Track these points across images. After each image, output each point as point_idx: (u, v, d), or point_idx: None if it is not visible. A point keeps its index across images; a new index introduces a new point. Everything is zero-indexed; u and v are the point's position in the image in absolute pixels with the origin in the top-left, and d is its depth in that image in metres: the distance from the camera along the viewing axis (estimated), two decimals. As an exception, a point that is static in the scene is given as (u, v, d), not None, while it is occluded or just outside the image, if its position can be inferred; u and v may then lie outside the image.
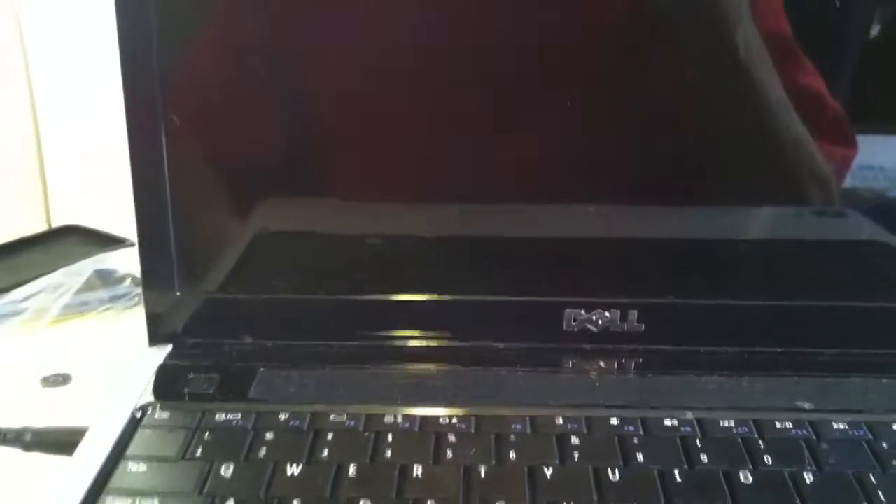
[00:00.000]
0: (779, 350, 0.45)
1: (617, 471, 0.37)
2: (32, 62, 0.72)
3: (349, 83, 0.44)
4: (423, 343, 0.46)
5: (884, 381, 0.43)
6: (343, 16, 0.43)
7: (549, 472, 0.37)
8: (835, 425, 0.39)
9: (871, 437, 0.39)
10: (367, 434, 0.39)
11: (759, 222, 0.46)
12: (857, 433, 0.39)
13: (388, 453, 0.38)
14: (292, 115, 0.45)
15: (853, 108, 0.43)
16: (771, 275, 0.46)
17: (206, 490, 0.36)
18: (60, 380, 0.51)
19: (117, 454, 0.38)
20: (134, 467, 0.37)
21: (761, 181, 0.45)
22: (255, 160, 0.46)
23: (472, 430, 0.39)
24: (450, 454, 0.38)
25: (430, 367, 0.45)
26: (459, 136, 0.45)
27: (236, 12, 0.44)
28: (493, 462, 0.38)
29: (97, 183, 0.70)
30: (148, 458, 0.38)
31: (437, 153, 0.45)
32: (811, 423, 0.39)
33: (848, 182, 0.45)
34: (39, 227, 0.73)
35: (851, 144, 0.45)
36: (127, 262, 0.64)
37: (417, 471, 0.37)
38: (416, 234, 0.46)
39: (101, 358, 0.52)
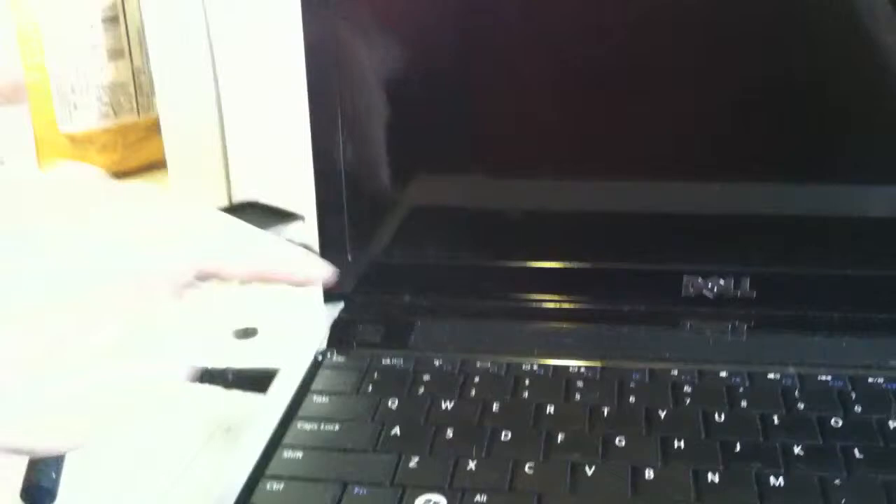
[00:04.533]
0: (878, 315, 0.49)
1: (723, 414, 0.43)
2: (218, 54, 0.81)
3: (501, 76, 0.51)
4: (558, 305, 0.52)
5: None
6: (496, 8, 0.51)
7: (663, 414, 0.43)
8: (923, 381, 0.44)
9: (955, 390, 0.43)
10: (508, 377, 0.46)
11: (868, 197, 0.50)
12: (943, 387, 0.44)
13: (526, 394, 0.45)
14: (448, 106, 0.53)
15: None
16: (874, 246, 0.50)
17: (376, 418, 0.44)
18: (250, 332, 0.61)
19: (304, 389, 0.47)
20: (319, 399, 0.46)
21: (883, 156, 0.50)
22: (416, 145, 0.53)
23: (598, 378, 0.46)
24: (578, 396, 0.45)
25: (563, 324, 0.51)
26: (587, 118, 0.51)
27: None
28: (616, 404, 0.44)
29: (273, 164, 0.79)
30: (329, 392, 0.46)
31: (570, 135, 0.52)
32: (901, 378, 0.44)
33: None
34: (222, 202, 0.83)
35: None
36: (299, 234, 0.72)
37: (550, 409, 0.44)
38: (553, 208, 0.53)
39: (284, 314, 0.61)
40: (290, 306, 0.62)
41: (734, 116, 0.50)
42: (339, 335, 0.51)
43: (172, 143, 0.85)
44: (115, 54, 0.87)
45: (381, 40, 0.52)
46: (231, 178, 0.83)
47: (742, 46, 0.49)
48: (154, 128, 0.88)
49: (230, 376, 0.52)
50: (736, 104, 0.50)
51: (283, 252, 0.44)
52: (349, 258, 0.54)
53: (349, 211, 0.53)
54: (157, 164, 0.90)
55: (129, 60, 0.88)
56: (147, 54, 0.85)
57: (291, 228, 0.75)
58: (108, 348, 0.33)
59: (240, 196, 0.83)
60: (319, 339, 0.51)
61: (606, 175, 0.52)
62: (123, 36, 0.87)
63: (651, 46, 0.50)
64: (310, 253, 0.46)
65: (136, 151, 0.90)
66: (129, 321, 0.34)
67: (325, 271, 0.45)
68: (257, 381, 0.50)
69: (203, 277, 0.40)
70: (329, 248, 0.54)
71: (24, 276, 0.33)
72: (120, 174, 0.91)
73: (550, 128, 0.52)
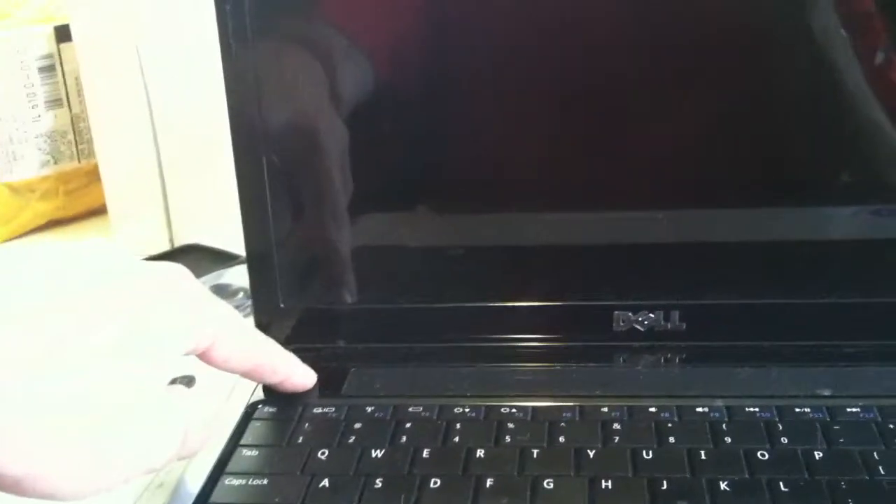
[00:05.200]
0: (806, 344, 0.49)
1: (651, 451, 0.43)
2: (154, 98, 0.81)
3: (438, 105, 0.52)
4: (489, 344, 0.52)
5: (899, 368, 0.48)
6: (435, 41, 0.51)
7: (592, 453, 0.43)
8: (848, 409, 0.44)
9: (880, 418, 0.44)
10: (439, 422, 0.46)
11: (793, 226, 0.51)
12: (867, 415, 0.44)
13: (457, 438, 0.45)
14: (377, 150, 0.53)
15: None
16: (800, 276, 0.50)
17: (306, 470, 0.43)
18: (186, 381, 0.60)
19: (234, 442, 0.46)
20: (248, 453, 0.45)
21: (830, 179, 0.50)
22: (346, 187, 0.53)
23: (529, 419, 0.46)
24: (508, 439, 0.45)
25: (495, 364, 0.51)
26: (511, 157, 0.52)
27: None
28: (545, 445, 0.44)
29: (214, 206, 0.79)
30: (259, 445, 0.46)
31: (494, 173, 0.52)
32: (828, 408, 0.45)
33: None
34: (164, 246, 0.83)
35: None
36: (240, 277, 0.72)
37: (480, 453, 0.44)
38: (480, 247, 0.53)
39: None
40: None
41: (658, 149, 0.51)
42: (272, 385, 0.51)
43: (112, 189, 0.84)
44: (54, 103, 0.86)
45: (305, 81, 0.52)
46: (172, 221, 0.83)
47: (668, 86, 0.50)
48: (95, 174, 0.87)
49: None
50: (660, 139, 0.50)
51: (286, 354, 0.47)
52: (281, 304, 0.54)
53: (279, 257, 0.53)
54: (99, 210, 0.89)
55: (67, 108, 0.87)
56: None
57: (234, 271, 0.75)
58: (107, 348, 0.34)
59: (181, 240, 0.83)
60: (252, 388, 0.51)
61: (533, 211, 0.52)
62: (61, 84, 0.87)
63: (584, 87, 0.50)
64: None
65: (78, 198, 0.90)
66: (129, 321, 0.35)
67: (314, 379, 0.48)
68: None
69: (197, 351, 0.41)
70: (260, 294, 0.54)
71: (24, 277, 0.34)
72: (62, 221, 0.90)
73: (473, 169, 0.52)
